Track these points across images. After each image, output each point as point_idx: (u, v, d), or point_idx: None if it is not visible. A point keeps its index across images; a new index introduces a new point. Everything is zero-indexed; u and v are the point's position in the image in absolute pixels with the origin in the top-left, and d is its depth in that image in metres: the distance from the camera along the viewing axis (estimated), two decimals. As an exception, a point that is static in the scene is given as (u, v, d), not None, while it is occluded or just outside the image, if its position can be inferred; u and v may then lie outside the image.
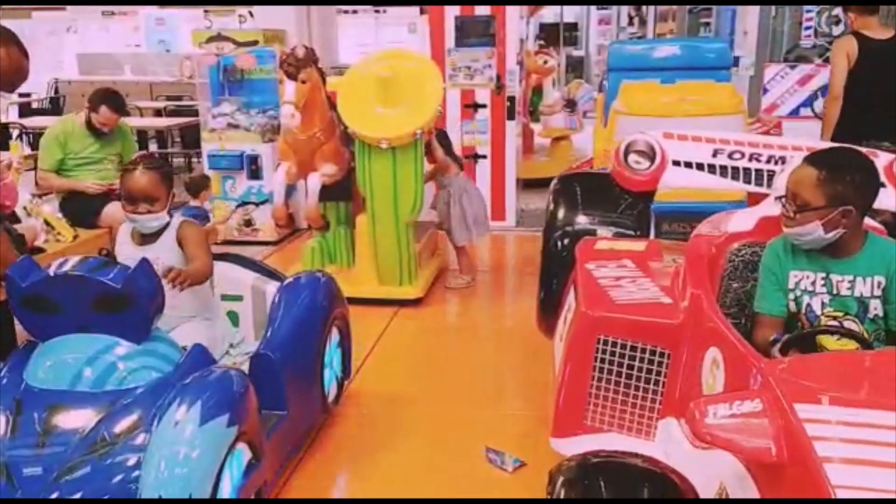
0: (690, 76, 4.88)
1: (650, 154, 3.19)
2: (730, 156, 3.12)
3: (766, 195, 2.81)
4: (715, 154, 3.14)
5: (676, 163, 3.18)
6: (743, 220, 2.60)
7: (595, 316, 2.43)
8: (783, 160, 2.98)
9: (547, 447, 2.54)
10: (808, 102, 12.23)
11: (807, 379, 1.73)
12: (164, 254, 2.84)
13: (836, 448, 1.50)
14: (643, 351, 2.37)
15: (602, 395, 2.41)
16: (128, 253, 2.81)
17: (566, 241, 3.08)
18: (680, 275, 2.52)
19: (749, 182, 3.08)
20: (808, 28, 12.53)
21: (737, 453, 1.66)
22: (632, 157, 3.21)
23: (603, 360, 2.40)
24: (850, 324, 2.17)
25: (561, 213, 3.19)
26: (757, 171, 3.07)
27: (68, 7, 12.39)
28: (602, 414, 2.42)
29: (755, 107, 8.85)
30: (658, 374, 2.36)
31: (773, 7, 11.13)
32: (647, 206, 3.21)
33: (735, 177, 3.10)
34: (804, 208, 2.12)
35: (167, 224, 2.88)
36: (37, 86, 10.41)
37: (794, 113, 11.88)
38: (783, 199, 2.20)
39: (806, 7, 11.12)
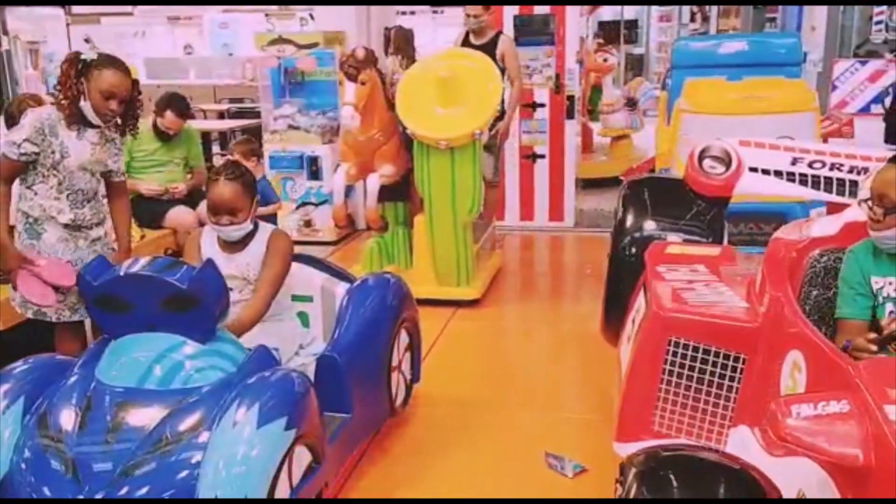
0: (758, 73, 4.72)
1: (726, 160, 3.10)
2: (810, 165, 3.02)
3: (847, 205, 2.69)
4: (794, 162, 3.04)
5: (753, 169, 3.08)
6: (827, 225, 2.50)
7: (667, 316, 2.35)
8: (866, 171, 2.86)
9: (608, 453, 2.49)
10: (879, 99, 11.81)
11: None
12: (253, 262, 2.89)
13: None
14: (717, 355, 2.28)
15: (671, 399, 2.34)
16: (218, 261, 2.72)
17: (635, 247, 3.00)
18: (758, 280, 2.43)
19: (830, 191, 2.98)
20: (878, 23, 12.09)
21: (821, 457, 1.59)
22: (707, 162, 3.12)
23: (673, 364, 2.32)
24: None
25: (630, 219, 3.10)
26: (839, 180, 2.97)
27: (136, 12, 12.72)
28: (670, 419, 2.34)
29: (823, 104, 8.60)
30: (732, 379, 2.27)
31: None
32: (720, 213, 3.10)
33: (815, 185, 3.00)
34: (894, 210, 2.04)
35: (253, 230, 2.92)
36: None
37: (865, 110, 11.48)
38: (868, 202, 2.11)
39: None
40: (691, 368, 2.31)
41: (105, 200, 3.26)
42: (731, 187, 3.07)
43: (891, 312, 2.14)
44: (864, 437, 1.51)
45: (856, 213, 2.45)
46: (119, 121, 3.17)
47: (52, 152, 3.03)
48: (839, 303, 2.21)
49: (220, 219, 2.81)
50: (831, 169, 2.99)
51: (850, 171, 2.95)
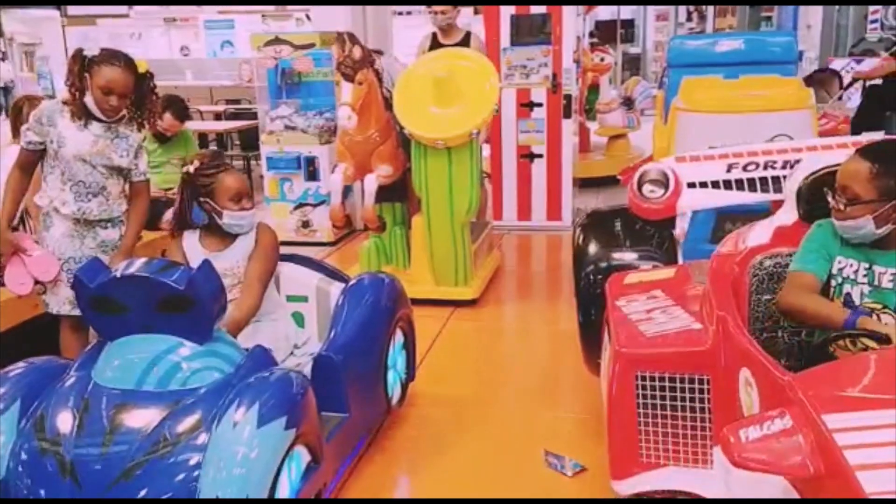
0: (754, 71, 4.73)
1: (664, 181, 3.24)
2: (744, 168, 3.14)
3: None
4: (729, 169, 3.17)
5: (692, 185, 3.21)
6: (760, 234, 2.57)
7: (629, 354, 2.40)
8: (798, 163, 2.92)
9: (606, 451, 2.49)
10: (876, 97, 11.78)
11: (834, 386, 1.71)
12: (243, 258, 2.90)
13: (868, 454, 1.48)
14: (682, 381, 2.32)
15: (652, 430, 2.36)
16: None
17: (598, 276, 3.10)
18: (707, 297, 2.48)
19: (767, 190, 3.07)
20: (874, 21, 12.10)
21: (774, 474, 1.62)
22: (646, 188, 3.27)
23: (646, 396, 2.35)
24: (886, 317, 2.13)
25: (591, 249, 3.24)
26: (774, 178, 3.08)
27: (132, 13, 12.70)
28: (656, 449, 2.37)
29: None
30: (703, 401, 2.31)
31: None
32: (670, 233, 3.22)
33: (752, 188, 3.11)
34: (855, 202, 2.09)
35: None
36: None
37: (861, 108, 11.44)
38: (833, 192, 2.17)
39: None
40: (663, 398, 2.34)
41: (122, 201, 3.27)
42: (672, 207, 3.20)
43: (847, 294, 2.19)
44: (809, 448, 1.55)
45: (784, 216, 2.53)
46: (128, 115, 3.20)
47: (51, 141, 3.10)
48: (797, 257, 2.25)
49: (242, 203, 2.87)
50: (765, 168, 3.10)
51: (784, 167, 3.04)
